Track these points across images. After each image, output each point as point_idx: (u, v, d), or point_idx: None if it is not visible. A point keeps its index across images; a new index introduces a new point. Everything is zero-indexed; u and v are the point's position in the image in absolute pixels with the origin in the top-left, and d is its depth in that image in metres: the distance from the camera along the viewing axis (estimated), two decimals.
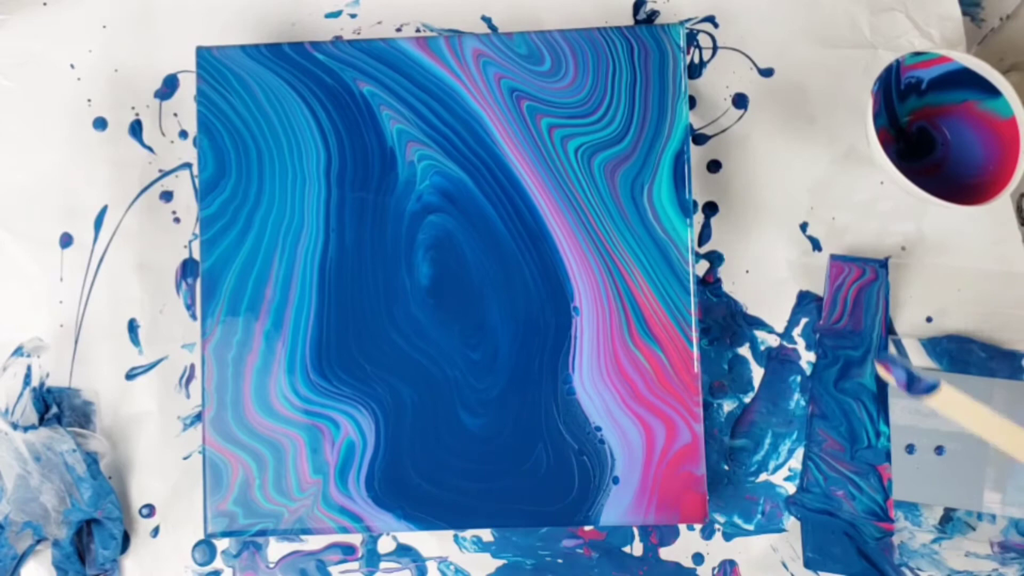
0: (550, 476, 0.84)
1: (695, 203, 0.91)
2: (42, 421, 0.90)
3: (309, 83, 0.87)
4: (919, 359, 0.89)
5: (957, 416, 0.83)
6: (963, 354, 0.89)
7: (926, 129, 0.91)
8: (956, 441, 0.88)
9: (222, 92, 0.87)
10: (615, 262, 0.85)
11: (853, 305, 0.89)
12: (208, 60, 0.87)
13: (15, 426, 0.87)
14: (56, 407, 0.90)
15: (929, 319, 0.90)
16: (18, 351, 0.91)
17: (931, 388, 0.81)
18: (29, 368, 0.91)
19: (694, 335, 0.84)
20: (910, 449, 0.88)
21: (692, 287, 0.84)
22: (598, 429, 0.84)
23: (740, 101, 0.93)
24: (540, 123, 0.86)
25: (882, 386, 0.88)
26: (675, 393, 0.84)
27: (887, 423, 0.88)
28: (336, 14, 0.95)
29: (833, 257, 0.89)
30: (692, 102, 0.92)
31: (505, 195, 0.86)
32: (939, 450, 0.88)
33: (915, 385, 0.81)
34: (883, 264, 0.89)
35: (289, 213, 0.86)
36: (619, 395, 0.84)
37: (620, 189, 0.85)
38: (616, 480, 0.84)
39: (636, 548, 0.89)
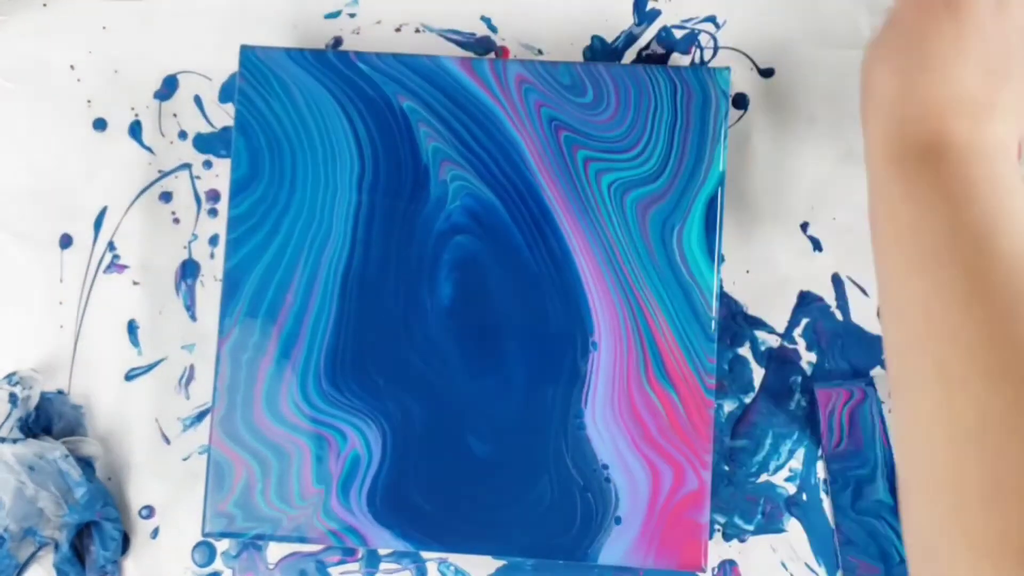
0: (553, 510, 0.84)
1: None
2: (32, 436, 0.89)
3: (350, 92, 0.86)
4: None
5: None
6: None
7: None
8: None
9: (262, 93, 0.86)
10: (638, 301, 0.85)
11: (850, 427, 0.89)
12: (251, 60, 0.86)
13: (2, 440, 0.86)
14: (46, 421, 0.90)
15: None
16: (10, 377, 0.91)
17: None
18: (15, 397, 0.90)
19: (711, 383, 0.84)
20: None
21: (714, 333, 0.84)
22: (605, 467, 0.84)
23: (740, 101, 0.93)
24: (576, 155, 0.85)
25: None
26: (686, 439, 0.84)
27: None
28: (335, 14, 0.94)
29: (818, 386, 0.90)
30: None
31: (534, 223, 0.85)
32: None
33: None
34: (869, 383, 0.90)
35: (317, 220, 0.85)
36: (630, 435, 0.84)
37: (650, 228, 0.85)
38: (618, 520, 0.84)
39: None
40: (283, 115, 0.86)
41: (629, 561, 0.84)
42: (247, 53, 0.86)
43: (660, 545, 0.84)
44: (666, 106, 0.86)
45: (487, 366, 0.85)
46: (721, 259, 0.91)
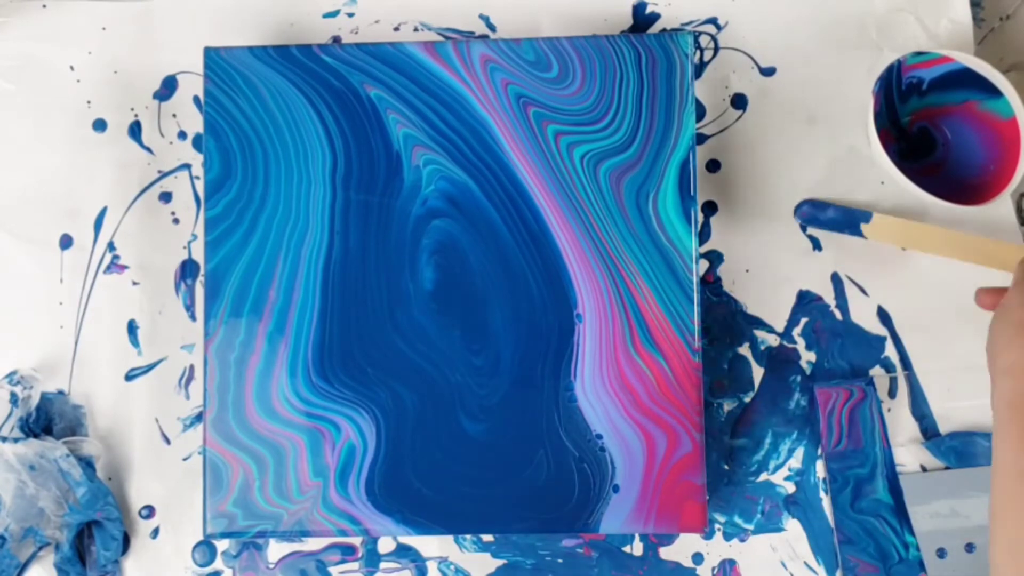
0: (550, 483, 0.84)
1: None
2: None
3: (316, 85, 0.87)
4: (925, 461, 0.90)
5: (894, 239, 0.85)
6: (968, 447, 0.89)
7: (927, 129, 0.91)
8: (983, 535, 0.87)
9: (229, 93, 0.87)
10: (619, 269, 0.85)
11: (849, 426, 0.88)
12: (215, 61, 0.87)
13: (4, 439, 0.87)
14: (46, 421, 0.91)
15: (926, 427, 0.91)
16: (11, 376, 0.92)
17: (868, 217, 0.86)
18: (15, 396, 0.91)
19: (697, 344, 0.84)
20: (941, 554, 0.88)
21: (696, 296, 0.84)
22: (599, 437, 0.84)
23: (739, 101, 0.93)
24: (547, 130, 0.86)
25: (899, 497, 0.88)
26: (676, 402, 0.84)
27: (912, 533, 0.87)
28: (334, 14, 0.95)
29: (818, 386, 0.89)
30: (701, 110, 0.92)
31: (510, 201, 0.85)
32: (969, 548, 0.88)
33: (852, 218, 0.85)
34: (868, 382, 0.89)
35: (294, 215, 0.86)
36: (620, 403, 0.84)
37: (625, 197, 0.85)
38: (616, 488, 0.84)
39: (636, 548, 0.90)
40: (252, 113, 0.87)
41: (630, 528, 0.84)
42: (211, 54, 0.87)
43: (660, 509, 0.84)
44: (631, 75, 0.86)
45: (474, 347, 0.85)
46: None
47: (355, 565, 0.90)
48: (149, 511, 0.91)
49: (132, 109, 0.94)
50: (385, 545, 0.90)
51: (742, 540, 0.90)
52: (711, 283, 0.91)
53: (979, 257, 0.89)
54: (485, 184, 0.86)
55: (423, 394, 0.85)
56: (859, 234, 0.90)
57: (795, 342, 0.91)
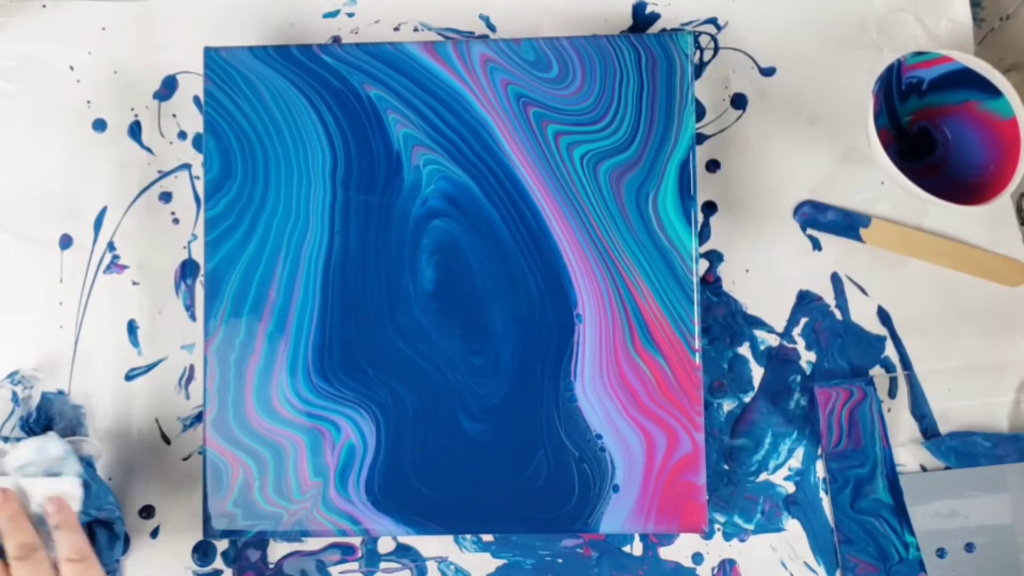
0: (550, 483, 0.84)
1: None
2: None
3: (316, 85, 0.87)
4: (925, 461, 0.90)
5: (893, 246, 0.85)
6: (968, 447, 0.89)
7: (927, 129, 0.91)
8: (983, 535, 0.88)
9: (229, 93, 0.87)
10: (619, 269, 0.85)
11: (849, 426, 0.88)
12: (216, 61, 0.87)
13: (6, 439, 0.87)
14: (46, 421, 0.90)
15: (926, 427, 0.91)
16: (11, 376, 0.91)
17: (867, 221, 0.86)
18: (16, 396, 0.91)
19: (697, 344, 0.84)
20: (941, 554, 0.88)
21: (696, 296, 0.84)
22: (599, 437, 0.84)
23: (739, 101, 0.93)
24: (546, 130, 0.86)
25: (899, 497, 0.88)
26: (676, 402, 0.84)
27: (912, 533, 0.87)
28: (334, 14, 0.95)
29: (818, 386, 0.89)
30: (701, 110, 0.92)
31: (510, 201, 0.86)
32: (969, 547, 0.88)
33: (852, 222, 0.85)
34: (868, 382, 0.89)
35: (294, 215, 0.86)
36: (620, 403, 0.84)
37: (625, 197, 0.85)
38: (616, 488, 0.84)
39: (636, 548, 0.89)
40: (252, 113, 0.87)
41: (630, 528, 0.84)
42: (211, 54, 0.87)
43: (660, 509, 0.84)
44: (631, 74, 0.86)
45: (474, 346, 0.85)
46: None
47: (355, 565, 0.90)
48: (149, 511, 0.91)
49: (132, 109, 0.94)
50: (385, 545, 0.90)
51: (742, 540, 0.90)
52: (711, 283, 0.91)
53: (977, 269, 0.90)
54: (485, 184, 0.86)
55: (423, 394, 0.85)
56: (858, 238, 0.90)
57: (795, 342, 0.91)
